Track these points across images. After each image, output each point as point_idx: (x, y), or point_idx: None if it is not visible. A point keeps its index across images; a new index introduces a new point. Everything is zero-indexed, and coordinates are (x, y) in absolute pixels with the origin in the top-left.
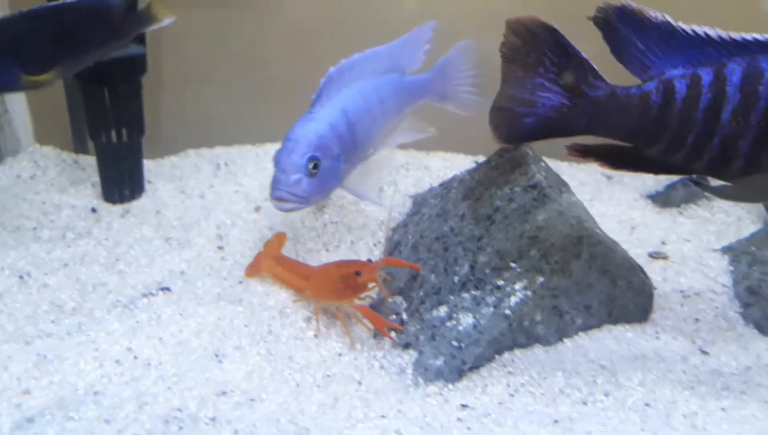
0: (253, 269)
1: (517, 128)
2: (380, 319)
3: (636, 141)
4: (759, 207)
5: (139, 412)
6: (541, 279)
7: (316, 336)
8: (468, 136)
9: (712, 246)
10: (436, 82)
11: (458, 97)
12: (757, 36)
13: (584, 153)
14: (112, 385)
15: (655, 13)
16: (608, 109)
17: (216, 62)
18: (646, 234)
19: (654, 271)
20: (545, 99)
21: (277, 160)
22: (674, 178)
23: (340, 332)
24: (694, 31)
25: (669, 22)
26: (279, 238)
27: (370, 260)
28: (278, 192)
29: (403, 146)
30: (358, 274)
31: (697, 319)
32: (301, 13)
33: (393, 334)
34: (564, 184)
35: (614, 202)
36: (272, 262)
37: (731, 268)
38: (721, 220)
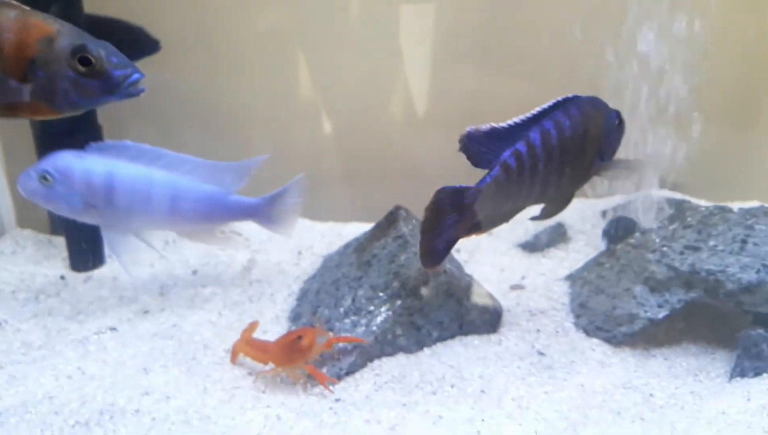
0: (233, 353)
1: (438, 255)
2: (322, 376)
3: (497, 208)
4: (600, 243)
5: (82, 407)
6: (399, 302)
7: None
8: (378, 207)
9: (561, 277)
10: (264, 208)
11: (282, 223)
12: (538, 108)
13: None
14: (63, 391)
15: (485, 126)
16: (481, 202)
17: None
18: (512, 273)
19: (510, 299)
20: (450, 223)
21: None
22: (540, 228)
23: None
24: (508, 123)
25: (494, 126)
26: (252, 326)
27: (312, 325)
28: (20, 179)
29: (322, 219)
30: (300, 338)
31: (538, 330)
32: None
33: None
34: None
35: (491, 252)
36: (244, 344)
37: (570, 290)
38: (573, 258)
